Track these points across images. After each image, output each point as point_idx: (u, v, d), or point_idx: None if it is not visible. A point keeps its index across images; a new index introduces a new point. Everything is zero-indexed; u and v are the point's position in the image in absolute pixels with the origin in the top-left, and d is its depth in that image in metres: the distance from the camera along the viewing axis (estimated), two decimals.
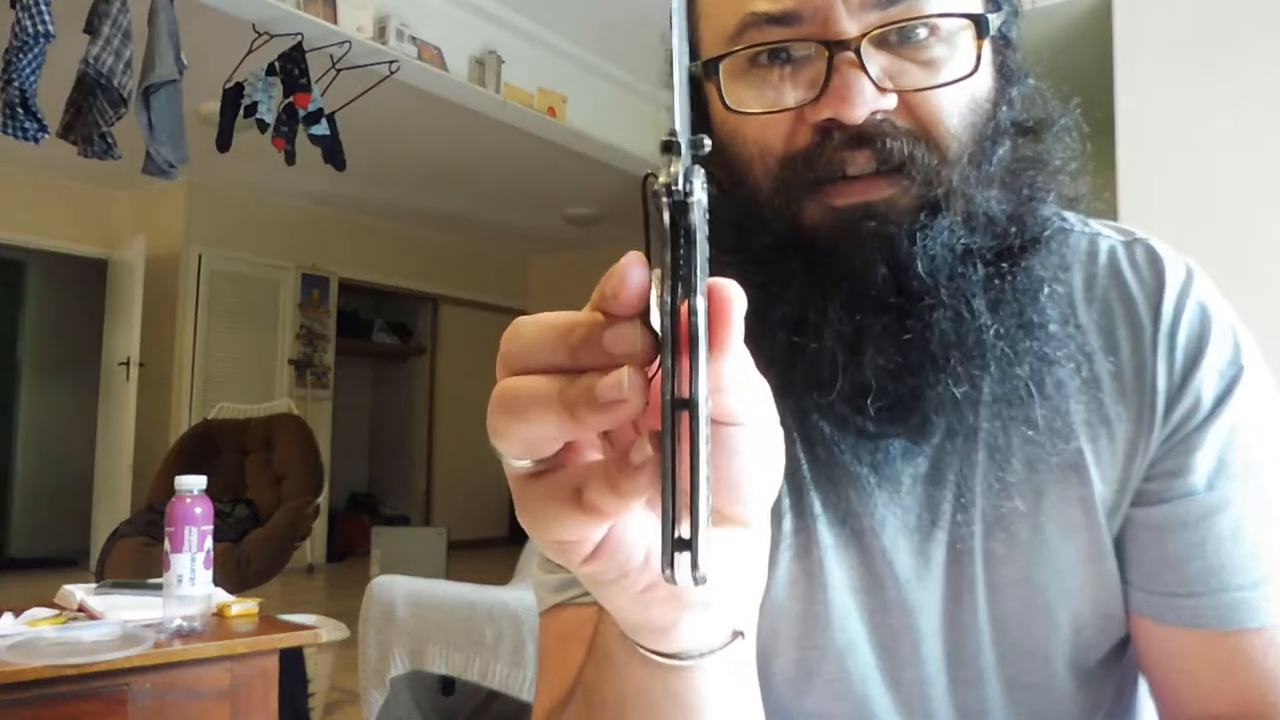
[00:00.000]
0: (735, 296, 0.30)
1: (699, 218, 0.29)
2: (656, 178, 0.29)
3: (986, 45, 0.54)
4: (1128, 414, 0.58)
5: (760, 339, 0.53)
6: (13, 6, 2.69)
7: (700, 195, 0.29)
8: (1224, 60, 2.84)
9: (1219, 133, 2.82)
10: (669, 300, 0.29)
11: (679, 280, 0.29)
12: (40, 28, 2.66)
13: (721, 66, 0.54)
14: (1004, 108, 0.56)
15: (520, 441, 0.31)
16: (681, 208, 0.29)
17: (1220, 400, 0.57)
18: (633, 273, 0.29)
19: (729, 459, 0.32)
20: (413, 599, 2.53)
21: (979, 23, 0.53)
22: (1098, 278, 0.60)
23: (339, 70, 3.73)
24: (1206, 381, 0.57)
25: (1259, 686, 0.55)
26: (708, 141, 0.30)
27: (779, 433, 0.35)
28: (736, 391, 0.31)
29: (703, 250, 0.29)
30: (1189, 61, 2.89)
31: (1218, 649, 0.56)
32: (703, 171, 0.29)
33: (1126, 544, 0.58)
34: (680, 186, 0.29)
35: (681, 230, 0.29)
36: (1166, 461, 0.57)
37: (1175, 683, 0.58)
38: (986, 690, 0.60)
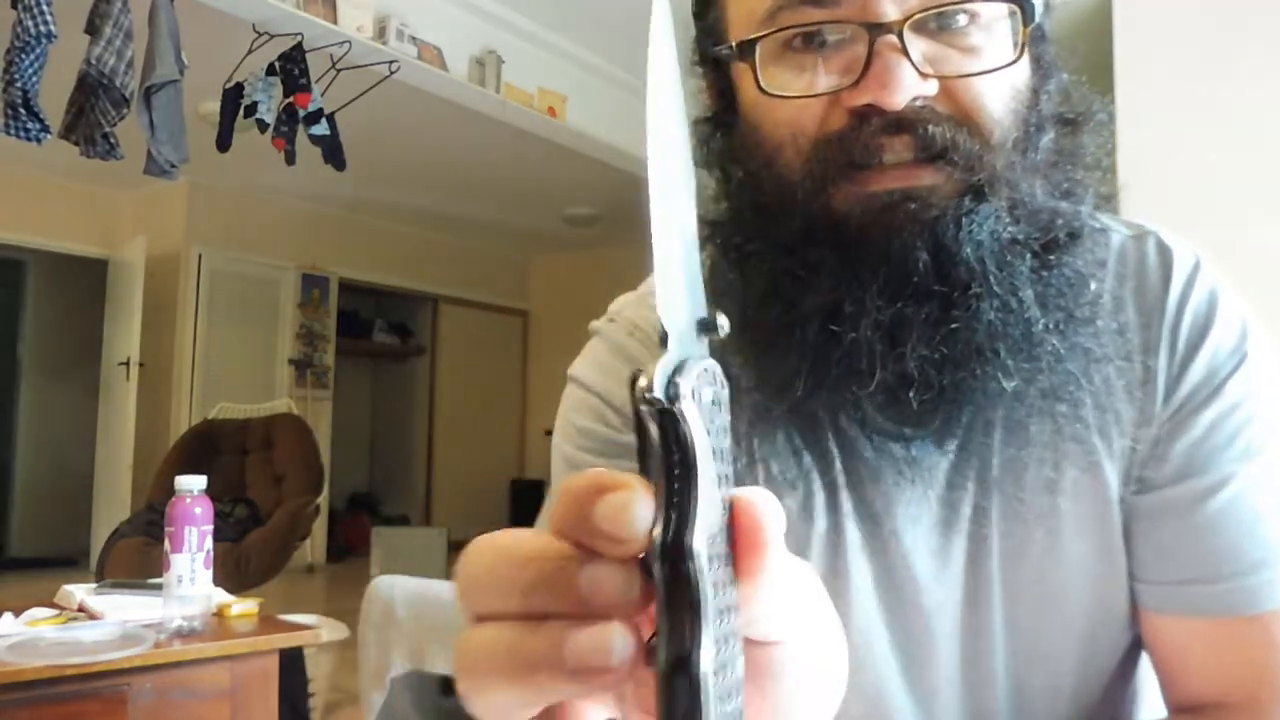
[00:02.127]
0: (767, 514, 0.25)
1: (695, 432, 0.23)
2: (640, 377, 0.23)
3: (1028, 29, 0.52)
4: (1134, 406, 0.57)
5: (790, 329, 0.52)
6: (14, 7, 2.69)
7: (694, 402, 0.23)
8: (1224, 60, 2.84)
9: (1220, 131, 2.82)
10: (660, 540, 0.23)
11: (672, 514, 0.23)
12: (42, 28, 2.66)
13: (756, 50, 0.53)
14: (1044, 97, 0.55)
15: (493, 713, 0.26)
16: (669, 418, 0.23)
17: (1219, 386, 0.56)
18: (638, 508, 0.23)
19: (768, 682, 0.28)
20: (413, 599, 2.53)
21: (1024, 8, 0.52)
22: (1111, 275, 0.59)
23: (339, 70, 3.72)
24: (1207, 366, 0.57)
25: (1246, 674, 0.55)
26: (722, 322, 0.24)
27: (837, 641, 0.32)
28: (777, 617, 0.26)
29: (706, 474, 0.23)
30: (1189, 60, 2.89)
31: (1210, 635, 0.56)
32: (706, 367, 0.24)
33: (1126, 535, 0.58)
34: (659, 393, 0.22)
35: (674, 448, 0.23)
36: (1161, 446, 0.57)
37: (1167, 665, 0.58)
38: (997, 692, 0.60)
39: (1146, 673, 0.63)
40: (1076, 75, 0.58)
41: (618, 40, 4.51)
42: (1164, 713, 0.60)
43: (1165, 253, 0.60)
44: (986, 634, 0.59)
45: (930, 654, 0.59)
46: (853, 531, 0.59)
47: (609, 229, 7.11)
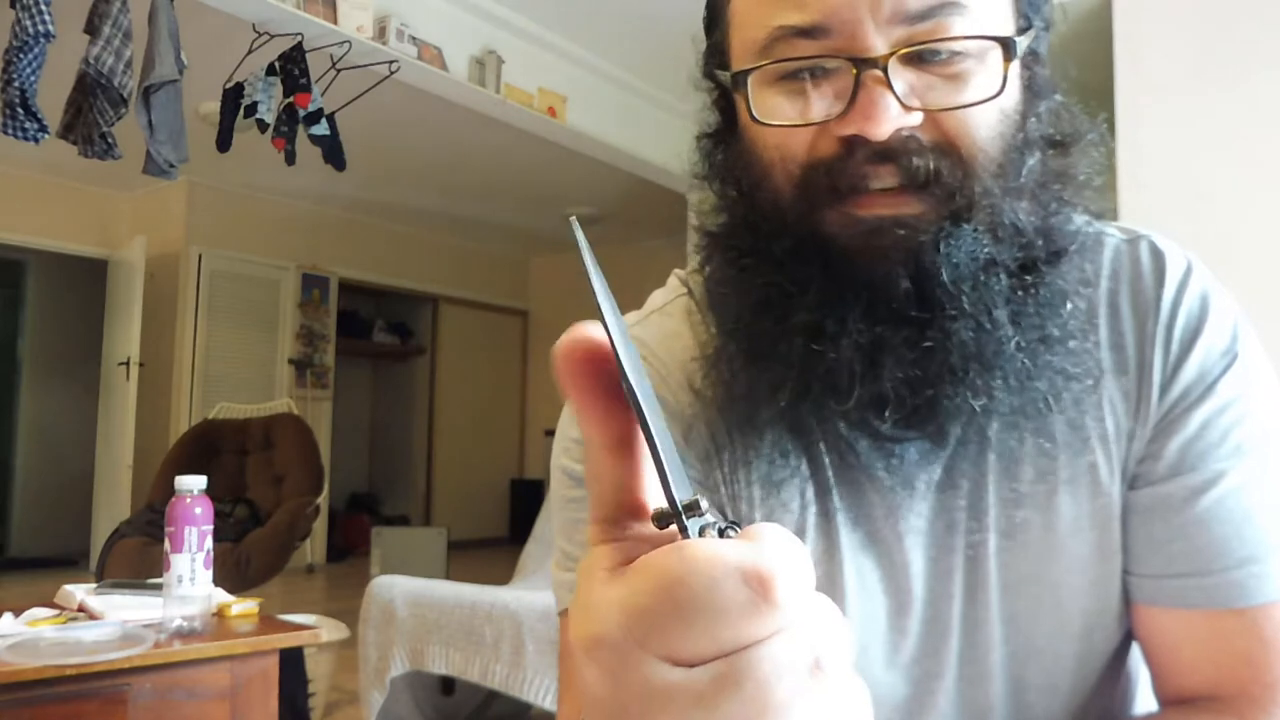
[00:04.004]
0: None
1: None
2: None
3: (1014, 62, 0.53)
4: (1130, 410, 0.59)
5: (779, 342, 0.53)
6: (13, 6, 2.68)
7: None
8: (1224, 61, 2.84)
9: (1219, 133, 2.82)
10: None
11: None
12: (40, 27, 2.66)
13: (750, 79, 0.54)
14: (1032, 121, 0.56)
15: None
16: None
17: (1211, 385, 0.58)
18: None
19: None
20: (413, 599, 2.53)
21: (1007, 45, 0.52)
22: (1105, 279, 0.61)
23: (339, 70, 3.72)
24: (1199, 366, 0.58)
25: (1236, 667, 0.56)
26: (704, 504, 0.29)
27: None
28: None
29: None
30: (1189, 62, 2.89)
31: (1201, 628, 0.57)
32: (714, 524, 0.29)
33: (1121, 531, 0.59)
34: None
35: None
36: (1154, 444, 0.58)
37: (1159, 658, 0.59)
38: (992, 688, 0.60)
39: (1140, 668, 0.64)
40: (1071, 93, 0.59)
41: (618, 40, 4.51)
42: (1156, 707, 0.61)
43: (1158, 256, 0.61)
44: (984, 631, 0.60)
45: (930, 651, 0.60)
46: (845, 535, 0.60)
47: (609, 229, 7.11)
